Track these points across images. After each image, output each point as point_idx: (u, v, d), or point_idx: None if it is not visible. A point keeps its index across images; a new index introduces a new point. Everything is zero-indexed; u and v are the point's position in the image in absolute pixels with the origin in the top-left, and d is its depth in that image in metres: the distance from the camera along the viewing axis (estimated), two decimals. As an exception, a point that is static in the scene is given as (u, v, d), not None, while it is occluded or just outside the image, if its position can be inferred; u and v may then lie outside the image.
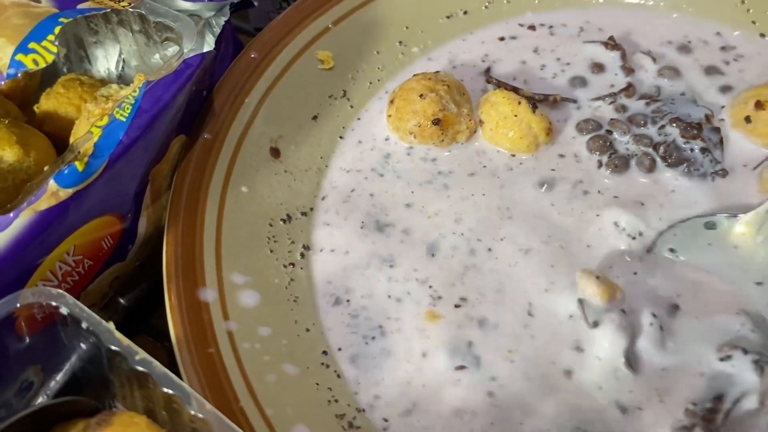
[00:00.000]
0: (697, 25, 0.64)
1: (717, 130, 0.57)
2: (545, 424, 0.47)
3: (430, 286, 0.53)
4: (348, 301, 0.53)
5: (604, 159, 0.57)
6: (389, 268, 0.54)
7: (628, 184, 0.56)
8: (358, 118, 0.61)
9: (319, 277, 0.54)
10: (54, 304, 0.41)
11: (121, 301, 0.56)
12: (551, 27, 0.66)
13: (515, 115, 0.57)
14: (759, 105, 0.57)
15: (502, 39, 0.66)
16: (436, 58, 0.65)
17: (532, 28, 0.66)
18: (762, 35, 0.64)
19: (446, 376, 0.49)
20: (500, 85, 0.61)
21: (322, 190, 0.58)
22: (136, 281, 0.55)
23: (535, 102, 0.57)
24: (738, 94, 0.59)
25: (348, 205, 0.57)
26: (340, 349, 0.51)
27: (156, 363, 0.40)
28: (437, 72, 0.60)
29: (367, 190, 0.58)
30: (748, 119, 0.57)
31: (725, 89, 0.60)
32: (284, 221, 0.55)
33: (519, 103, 0.57)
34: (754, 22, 0.64)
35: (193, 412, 0.38)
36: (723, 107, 0.59)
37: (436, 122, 0.57)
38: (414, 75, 0.60)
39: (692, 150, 0.56)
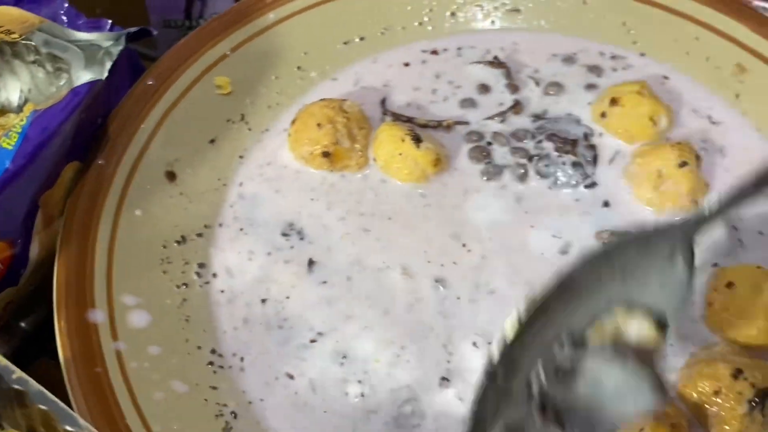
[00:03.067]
0: (580, 44, 0.68)
1: (592, 147, 0.61)
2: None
3: (325, 282, 0.56)
4: (246, 319, 0.54)
5: (481, 167, 0.60)
6: (294, 278, 0.56)
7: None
8: (258, 141, 0.63)
9: (218, 296, 0.55)
10: (-67, 328, 0.42)
11: (22, 325, 0.57)
12: (445, 51, 0.68)
13: (399, 153, 0.59)
14: (614, 101, 0.61)
15: (407, 65, 0.68)
16: (342, 80, 0.67)
17: (434, 53, 0.68)
18: (642, 54, 0.67)
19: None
20: (395, 117, 0.64)
21: (221, 208, 0.59)
22: (34, 305, 0.56)
23: (419, 135, 0.59)
24: (600, 93, 0.64)
25: (251, 226, 0.59)
26: (235, 355, 0.53)
27: (32, 381, 0.41)
28: (344, 100, 0.62)
29: (269, 210, 0.59)
30: (603, 114, 0.61)
31: (595, 89, 0.65)
32: (178, 242, 0.57)
33: (402, 140, 0.59)
34: (635, 42, 0.68)
35: (68, 428, 0.39)
36: (589, 103, 0.63)
37: (326, 155, 0.60)
38: (321, 99, 0.62)
39: (564, 163, 0.59)
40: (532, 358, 0.43)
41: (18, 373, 0.41)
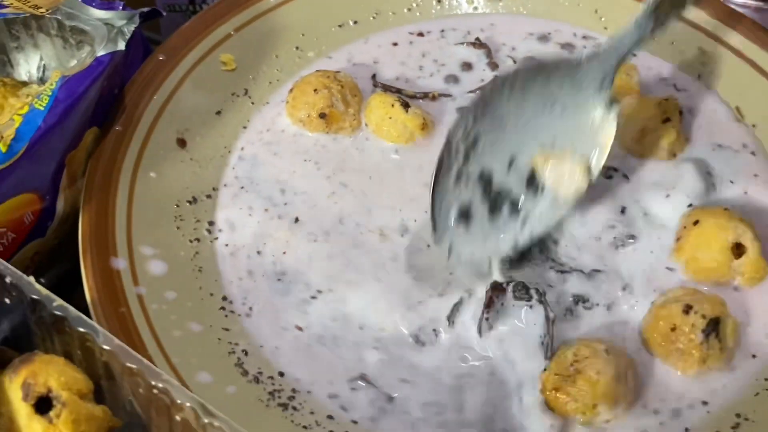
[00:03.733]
0: (554, 26, 0.74)
1: None
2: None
3: (315, 240, 0.61)
4: (250, 270, 0.59)
5: None
6: (288, 233, 0.61)
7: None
8: (259, 113, 0.68)
9: (223, 248, 0.60)
10: (-22, 263, 0.47)
11: (42, 281, 0.62)
12: (430, 33, 0.74)
13: (390, 117, 0.65)
14: None
15: (395, 44, 0.74)
16: (336, 56, 0.73)
17: (420, 35, 0.74)
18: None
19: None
20: (385, 88, 0.69)
21: (226, 174, 0.64)
22: (56, 259, 0.61)
23: (407, 102, 0.65)
24: None
25: (251, 185, 0.64)
26: (244, 304, 0.58)
27: (71, 308, 0.46)
28: (338, 72, 0.67)
29: (269, 164, 0.65)
30: None
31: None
32: (190, 202, 0.62)
33: (392, 105, 0.65)
34: (606, 28, 0.74)
35: (103, 346, 0.44)
36: None
37: (322, 116, 0.65)
38: (317, 70, 0.68)
39: None
40: (489, 155, 0.54)
41: (58, 301, 0.46)
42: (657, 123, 0.63)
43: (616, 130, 0.58)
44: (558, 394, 0.52)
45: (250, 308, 0.58)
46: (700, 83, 0.70)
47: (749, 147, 0.66)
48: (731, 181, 0.63)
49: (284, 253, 0.60)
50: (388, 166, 0.65)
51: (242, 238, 0.61)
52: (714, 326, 0.53)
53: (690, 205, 0.61)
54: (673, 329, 0.54)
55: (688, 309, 0.54)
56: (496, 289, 0.56)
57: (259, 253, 0.60)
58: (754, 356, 0.55)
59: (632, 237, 0.60)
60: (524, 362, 0.54)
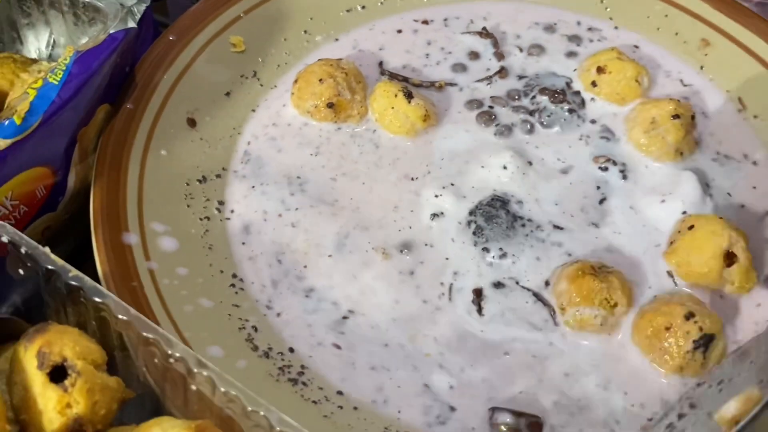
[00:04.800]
0: (559, 15, 0.75)
1: (577, 93, 0.68)
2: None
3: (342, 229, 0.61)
4: (261, 253, 0.60)
5: (492, 129, 0.67)
6: (295, 217, 0.62)
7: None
8: (267, 96, 0.69)
9: (233, 229, 0.61)
10: (-5, 234, 0.47)
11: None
12: (433, 21, 0.75)
13: (392, 107, 0.65)
14: (600, 70, 0.68)
15: (399, 31, 0.74)
16: (343, 41, 0.73)
17: (424, 22, 0.75)
18: (616, 27, 0.74)
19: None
20: (392, 76, 0.70)
21: (236, 155, 0.65)
22: (65, 235, 0.61)
23: (411, 92, 0.65)
24: (581, 63, 0.70)
25: (259, 167, 0.64)
26: (253, 283, 0.58)
27: (87, 278, 0.46)
28: (340, 59, 0.68)
29: (275, 155, 0.65)
30: (594, 83, 0.68)
31: (575, 56, 0.72)
32: (200, 181, 0.62)
33: (396, 95, 0.65)
34: (611, 18, 0.75)
35: (119, 316, 0.45)
36: (575, 70, 0.70)
37: (330, 105, 0.66)
38: (319, 59, 0.68)
39: (562, 110, 0.67)
40: None
41: (74, 271, 0.46)
42: (667, 118, 0.64)
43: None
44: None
45: (278, 314, 0.57)
46: (704, 79, 0.71)
47: (751, 156, 0.66)
48: (729, 194, 0.64)
49: (305, 267, 0.60)
50: (385, 165, 0.65)
51: (260, 245, 0.60)
52: (707, 342, 0.54)
53: (684, 212, 0.62)
54: (668, 328, 0.54)
55: (690, 315, 0.54)
56: (478, 295, 0.58)
57: (279, 262, 0.60)
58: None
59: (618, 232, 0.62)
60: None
